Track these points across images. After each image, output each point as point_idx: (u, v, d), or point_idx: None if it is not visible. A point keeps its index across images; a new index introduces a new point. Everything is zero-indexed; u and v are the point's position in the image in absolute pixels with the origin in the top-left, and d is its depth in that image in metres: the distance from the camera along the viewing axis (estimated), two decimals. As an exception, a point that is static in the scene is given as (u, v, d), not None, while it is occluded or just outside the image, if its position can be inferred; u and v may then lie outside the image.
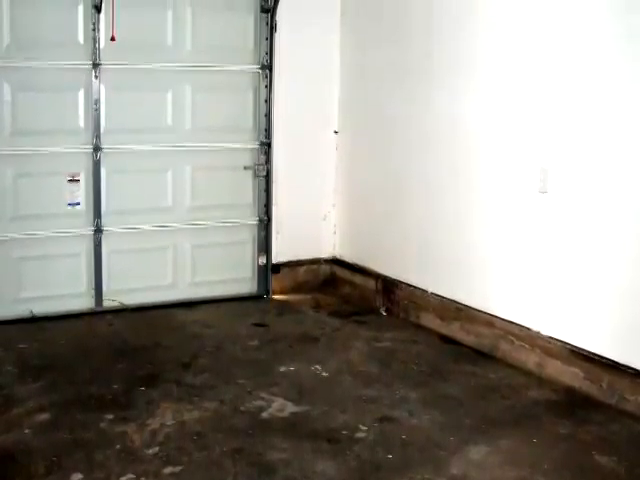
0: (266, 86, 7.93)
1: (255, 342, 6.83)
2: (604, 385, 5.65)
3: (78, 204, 7.35)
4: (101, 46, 7.18)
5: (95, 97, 7.24)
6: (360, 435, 5.11)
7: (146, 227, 7.63)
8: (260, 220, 8.12)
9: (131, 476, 4.54)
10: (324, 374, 6.16)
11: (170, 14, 7.47)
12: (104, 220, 7.43)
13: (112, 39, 7.05)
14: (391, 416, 5.40)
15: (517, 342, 6.33)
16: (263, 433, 5.10)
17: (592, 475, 4.71)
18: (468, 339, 6.78)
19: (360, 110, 8.11)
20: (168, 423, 5.19)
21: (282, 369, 6.21)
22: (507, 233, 6.42)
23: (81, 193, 7.34)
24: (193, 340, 6.82)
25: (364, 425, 5.24)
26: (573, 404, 5.66)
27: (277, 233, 8.17)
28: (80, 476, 4.53)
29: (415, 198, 7.36)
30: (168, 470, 4.62)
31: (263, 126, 8.00)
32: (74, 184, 7.30)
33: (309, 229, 8.41)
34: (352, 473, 4.66)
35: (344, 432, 5.14)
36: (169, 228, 7.74)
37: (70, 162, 7.27)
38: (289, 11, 7.85)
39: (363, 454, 4.86)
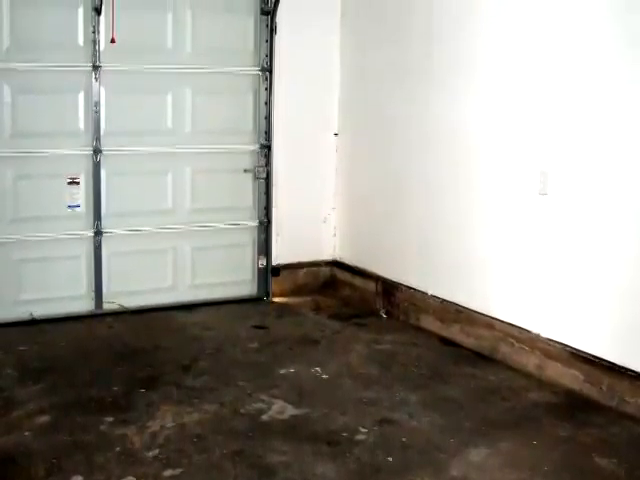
0: (266, 88, 7.94)
1: (255, 344, 6.83)
2: (604, 387, 5.65)
3: (78, 206, 7.35)
4: (101, 48, 7.18)
5: (95, 99, 7.25)
6: (360, 437, 5.11)
7: (146, 229, 7.63)
8: (260, 222, 8.12)
9: (131, 478, 4.53)
10: (324, 376, 6.16)
11: (170, 16, 7.48)
12: (104, 222, 7.43)
13: (112, 41, 7.06)
14: (391, 418, 5.40)
15: (517, 344, 6.33)
16: (263, 435, 5.10)
17: (592, 477, 4.71)
18: (468, 341, 6.78)
19: (360, 112, 8.12)
20: (168, 425, 5.19)
21: (282, 371, 6.21)
22: (507, 235, 6.42)
23: (81, 195, 7.35)
24: (193, 342, 6.82)
25: (364, 427, 5.24)
26: (573, 406, 5.65)
27: (277, 235, 8.17)
28: (80, 478, 4.52)
29: (415, 200, 7.36)
30: (168, 472, 4.61)
31: (263, 128, 8.00)
32: (74, 186, 7.30)
33: (309, 231, 8.41)
34: (352, 475, 4.66)
35: (344, 434, 5.14)
36: (169, 230, 7.74)
37: (70, 164, 7.27)
38: (289, 13, 7.86)
39: (363, 456, 4.86)
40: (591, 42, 5.68)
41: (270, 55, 7.89)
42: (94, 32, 7.14)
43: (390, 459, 4.84)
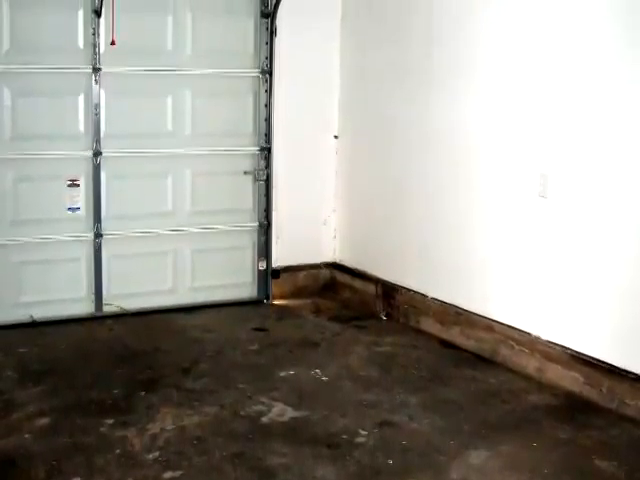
0: (266, 90, 7.94)
1: (255, 347, 6.83)
2: (604, 390, 5.65)
3: (78, 209, 7.35)
4: (101, 51, 7.18)
5: (95, 102, 7.25)
6: (360, 440, 5.11)
7: (146, 232, 7.63)
8: (260, 225, 8.12)
9: (131, 481, 4.56)
10: (324, 379, 6.16)
11: (170, 19, 7.48)
12: (104, 225, 7.43)
13: (112, 44, 7.05)
14: (391, 421, 5.40)
15: (517, 347, 6.33)
16: (263, 438, 5.10)
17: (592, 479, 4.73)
18: (468, 344, 6.78)
19: (360, 114, 8.12)
20: (168, 428, 5.19)
21: (282, 374, 6.21)
22: (507, 238, 6.42)
23: (81, 198, 7.34)
24: (193, 345, 6.82)
25: (364, 430, 5.24)
26: (573, 409, 5.65)
27: (277, 238, 8.17)
28: (80, 481, 4.54)
29: (415, 203, 7.36)
30: (168, 475, 4.61)
31: (263, 131, 8.00)
32: (74, 189, 7.30)
33: (309, 234, 8.41)
34: (352, 478, 4.66)
35: (344, 437, 5.14)
36: (169, 233, 7.73)
37: (70, 167, 7.27)
38: (289, 15, 7.85)
39: (363, 459, 4.86)
40: (591, 43, 5.68)
41: (270, 57, 7.89)
42: (94, 34, 7.14)
43: (390, 462, 4.84)
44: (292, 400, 5.69)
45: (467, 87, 6.74)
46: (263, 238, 8.15)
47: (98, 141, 7.30)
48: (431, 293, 7.23)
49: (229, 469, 4.69)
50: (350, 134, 8.27)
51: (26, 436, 5.03)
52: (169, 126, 7.63)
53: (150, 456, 4.81)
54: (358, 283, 8.17)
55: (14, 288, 7.19)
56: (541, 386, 6.02)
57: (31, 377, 5.99)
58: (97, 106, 7.26)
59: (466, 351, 6.75)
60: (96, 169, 7.34)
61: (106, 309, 7.51)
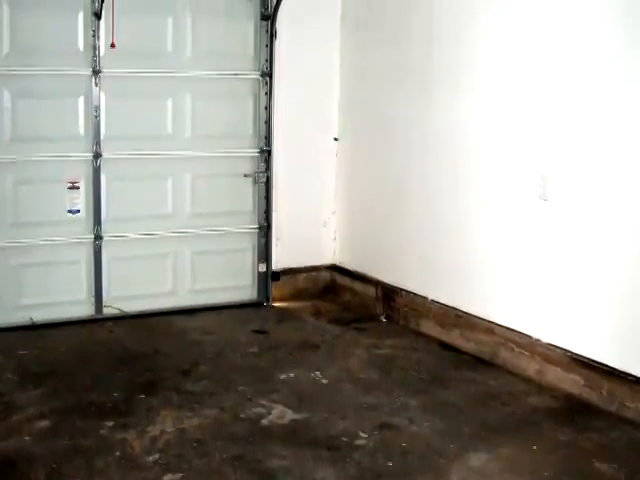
0: (266, 93, 7.94)
1: (255, 349, 6.83)
2: (604, 392, 5.65)
3: (78, 211, 7.35)
4: (101, 53, 7.18)
5: (95, 104, 7.25)
6: (360, 442, 5.11)
7: (146, 234, 7.63)
8: (260, 227, 8.12)
9: (131, 483, 4.56)
10: (324, 381, 6.16)
11: (170, 21, 7.48)
12: (104, 227, 7.43)
13: (112, 46, 7.05)
14: (391, 423, 5.40)
15: (517, 349, 6.33)
16: (263, 440, 5.10)
17: (592, 482, 4.73)
18: (468, 346, 6.78)
19: (360, 116, 8.12)
20: (168, 430, 5.19)
21: (282, 376, 6.21)
22: (507, 240, 6.42)
23: (81, 200, 7.34)
24: (193, 347, 6.82)
25: (364, 432, 5.24)
26: (573, 411, 5.65)
27: (277, 240, 8.17)
28: (80, 483, 4.54)
29: (415, 205, 7.37)
30: (168, 477, 4.61)
31: (263, 133, 8.00)
32: (74, 191, 7.30)
33: (309, 236, 8.41)
34: (352, 480, 4.68)
35: (344, 439, 5.14)
36: (169, 235, 7.73)
37: (70, 169, 7.27)
38: (289, 18, 7.86)
39: (363, 461, 4.86)
40: (592, 45, 5.68)
41: (270, 60, 7.89)
42: (94, 37, 7.14)
43: (390, 464, 4.84)
44: (292, 402, 5.69)
45: (467, 88, 6.74)
46: (263, 240, 8.15)
47: (98, 143, 7.30)
48: (431, 295, 7.23)
49: (229, 472, 4.69)
50: (350, 136, 8.28)
51: (26, 438, 5.03)
52: (169, 128, 7.63)
53: (150, 458, 4.81)
54: (358, 285, 8.17)
55: (14, 290, 7.19)
56: (541, 388, 6.02)
57: (31, 379, 5.99)
58: (97, 108, 7.26)
59: (466, 353, 6.75)
60: (96, 171, 7.34)
61: (106, 311, 7.51)
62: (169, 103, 7.59)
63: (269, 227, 8.11)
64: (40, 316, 7.21)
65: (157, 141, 7.59)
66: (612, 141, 5.58)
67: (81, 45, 7.16)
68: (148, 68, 7.43)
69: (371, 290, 7.94)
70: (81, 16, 7.12)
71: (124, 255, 7.57)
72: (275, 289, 8.22)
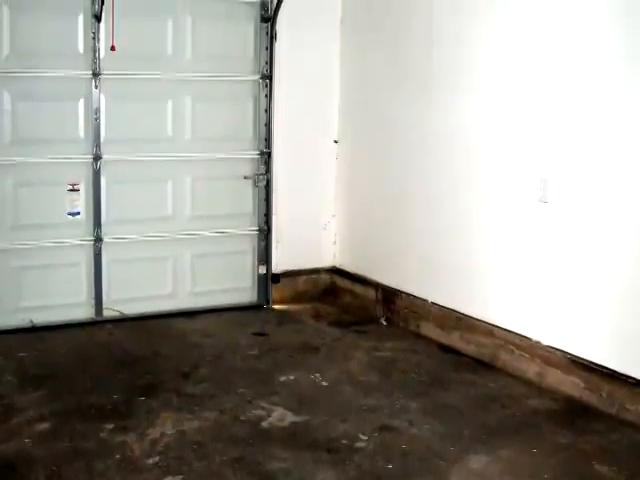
0: (266, 95, 7.94)
1: (255, 351, 6.83)
2: (604, 394, 5.65)
3: (78, 213, 7.35)
4: (101, 56, 7.18)
5: (95, 106, 7.25)
6: (360, 445, 5.10)
7: (146, 237, 7.63)
8: (260, 229, 8.12)
9: (131, 486, 4.55)
10: (324, 383, 6.16)
11: (170, 24, 7.49)
12: (104, 229, 7.43)
13: (112, 49, 7.06)
14: (391, 426, 5.40)
15: (517, 351, 6.33)
16: (263, 442, 5.10)
17: (592, 485, 4.73)
18: (468, 348, 6.78)
19: (360, 118, 8.12)
20: (168, 432, 5.19)
21: (282, 378, 6.21)
22: (507, 243, 6.42)
23: (81, 202, 7.34)
24: (193, 349, 6.82)
25: (364, 435, 5.24)
26: (573, 413, 5.65)
27: (277, 242, 8.17)
28: (80, 486, 4.54)
29: (415, 208, 7.37)
30: (168, 480, 4.63)
31: (263, 135, 8.01)
32: (74, 193, 7.30)
33: (309, 238, 8.41)
34: (352, 483, 4.67)
35: (344, 442, 5.14)
36: (169, 238, 7.73)
37: (70, 171, 7.27)
38: (289, 20, 7.86)
39: (363, 464, 4.86)
40: (592, 47, 5.68)
41: (270, 62, 7.89)
42: (94, 39, 7.14)
43: (390, 466, 4.84)
44: (292, 405, 5.69)
45: (467, 90, 6.74)
46: (263, 243, 8.15)
47: (98, 146, 7.30)
48: (431, 298, 7.22)
49: (229, 474, 4.69)
50: (350, 138, 8.28)
51: (26, 441, 5.03)
52: (169, 131, 7.64)
53: (150, 461, 4.81)
54: (358, 288, 8.17)
55: (14, 293, 7.19)
56: (541, 391, 6.02)
57: (31, 382, 5.99)
58: (97, 111, 7.26)
59: (466, 356, 6.75)
60: (96, 174, 7.34)
61: (106, 314, 7.51)
62: (169, 105, 7.59)
63: (269, 229, 8.11)
64: (40, 318, 7.21)
65: (157, 143, 7.59)
66: (613, 143, 5.58)
67: (81, 47, 7.16)
68: (148, 70, 7.43)
69: (371, 292, 7.94)
70: (81, 18, 7.12)
71: (124, 257, 7.57)
72: (275, 291, 8.22)
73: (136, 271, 7.62)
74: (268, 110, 7.96)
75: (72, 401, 5.65)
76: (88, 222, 7.39)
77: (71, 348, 6.78)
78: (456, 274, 6.93)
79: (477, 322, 6.70)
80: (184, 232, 7.79)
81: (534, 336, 6.20)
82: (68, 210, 7.30)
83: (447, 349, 6.93)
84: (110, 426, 5.25)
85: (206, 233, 7.87)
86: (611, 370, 5.61)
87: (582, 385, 5.80)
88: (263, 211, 8.10)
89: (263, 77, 7.91)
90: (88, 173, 7.33)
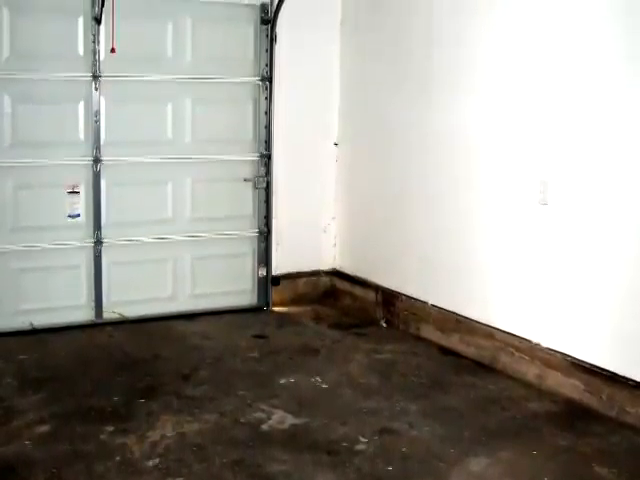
0: (266, 98, 7.94)
1: (255, 354, 6.82)
2: (604, 397, 5.65)
3: (78, 216, 7.35)
4: (101, 58, 7.18)
5: (95, 109, 7.25)
6: (360, 447, 5.10)
7: (146, 239, 7.63)
8: (260, 232, 8.12)
9: (131, 488, 4.55)
10: (324, 386, 6.16)
11: (170, 26, 7.49)
12: (104, 232, 7.43)
13: (112, 51, 7.05)
14: (391, 428, 5.40)
15: (517, 354, 6.33)
16: (263, 445, 5.10)
17: (592, 487, 4.72)
18: (468, 351, 6.78)
19: (360, 121, 8.12)
20: (168, 435, 5.19)
21: (282, 381, 6.20)
22: (507, 245, 6.42)
23: (81, 205, 7.34)
24: (193, 352, 6.82)
25: (364, 437, 5.23)
26: (573, 416, 5.65)
27: (277, 245, 8.17)
28: (80, 488, 4.54)
29: (415, 210, 7.37)
30: (168, 482, 4.63)
31: (263, 138, 8.01)
32: (74, 196, 7.30)
33: (309, 241, 8.41)
34: (352, 485, 4.67)
35: (344, 444, 5.13)
36: (169, 240, 7.73)
37: (70, 174, 7.27)
38: (289, 22, 7.87)
39: (363, 466, 4.86)
40: (592, 48, 5.68)
41: (270, 64, 7.89)
42: (94, 42, 7.15)
43: (390, 469, 4.84)
44: (292, 407, 5.69)
45: (467, 90, 6.74)
46: (263, 245, 8.15)
47: (98, 148, 7.30)
48: (431, 300, 7.22)
49: (229, 476, 4.69)
50: (350, 140, 8.28)
51: (26, 443, 5.03)
52: (169, 133, 7.64)
53: (150, 463, 4.81)
54: (358, 290, 8.17)
55: (14, 295, 7.19)
56: (541, 393, 6.02)
57: (31, 384, 5.99)
58: (97, 113, 7.26)
59: (466, 358, 6.75)
60: (96, 176, 7.34)
61: (106, 316, 7.51)
62: (169, 108, 7.60)
63: (269, 232, 8.11)
64: (40, 321, 7.21)
65: (157, 146, 7.59)
66: (613, 145, 5.58)
67: (81, 50, 7.17)
68: (148, 73, 7.44)
69: (371, 295, 7.94)
70: (81, 21, 7.13)
71: (124, 260, 7.57)
72: (275, 294, 8.22)
73: (136, 273, 7.62)
74: (268, 112, 7.96)
75: (72, 403, 5.65)
76: (88, 224, 7.39)
77: (71, 351, 6.78)
78: (456, 276, 6.93)
79: (477, 324, 6.70)
80: (184, 234, 7.79)
81: (534, 338, 6.20)
82: (68, 212, 7.30)
83: (447, 351, 6.93)
84: (110, 428, 5.25)
85: (206, 235, 7.87)
86: (611, 372, 5.61)
87: (582, 387, 5.80)
88: (263, 213, 8.10)
89: (263, 79, 7.91)
90: (88, 175, 7.33)
